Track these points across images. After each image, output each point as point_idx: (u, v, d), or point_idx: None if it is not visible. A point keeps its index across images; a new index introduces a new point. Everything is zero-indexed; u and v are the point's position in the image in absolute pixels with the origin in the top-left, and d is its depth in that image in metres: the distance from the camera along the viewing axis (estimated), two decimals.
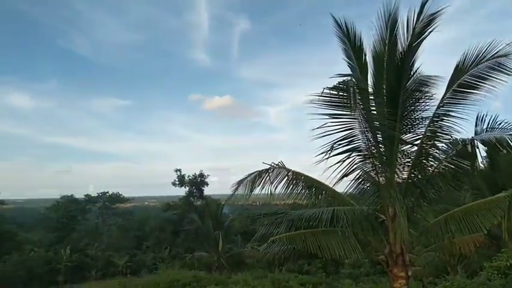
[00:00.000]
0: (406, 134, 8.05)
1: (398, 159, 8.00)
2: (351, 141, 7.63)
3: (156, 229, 45.06)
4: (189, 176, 42.45)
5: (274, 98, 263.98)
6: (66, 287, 31.56)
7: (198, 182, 42.43)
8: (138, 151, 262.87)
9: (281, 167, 8.74)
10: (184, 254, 36.44)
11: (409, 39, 7.20)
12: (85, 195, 50.53)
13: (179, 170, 42.21)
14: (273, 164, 8.75)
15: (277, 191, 8.61)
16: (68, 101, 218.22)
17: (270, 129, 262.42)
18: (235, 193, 8.62)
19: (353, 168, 8.02)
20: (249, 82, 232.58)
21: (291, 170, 8.69)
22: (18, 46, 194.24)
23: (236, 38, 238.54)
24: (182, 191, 42.44)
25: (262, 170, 8.59)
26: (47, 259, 36.38)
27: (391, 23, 7.22)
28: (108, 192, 49.80)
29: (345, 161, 7.82)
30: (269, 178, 8.56)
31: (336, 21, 7.94)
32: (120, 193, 50.66)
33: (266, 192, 8.55)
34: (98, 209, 49.95)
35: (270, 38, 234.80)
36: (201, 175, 42.64)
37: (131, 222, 51.41)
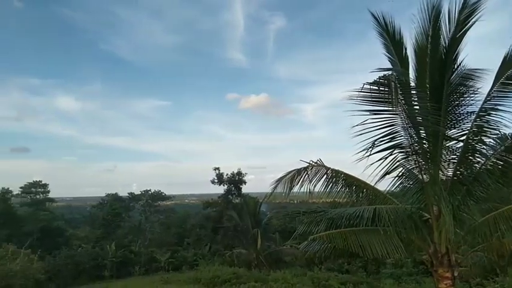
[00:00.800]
0: (451, 130, 7.76)
1: (443, 156, 7.73)
2: (393, 137, 7.43)
3: (196, 226, 45.90)
4: (227, 174, 42.90)
5: (310, 95, 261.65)
6: (112, 281, 32.75)
7: (235, 180, 42.74)
8: (178, 150, 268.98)
9: (320, 164, 8.67)
10: (224, 251, 36.88)
11: (452, 31, 6.93)
12: (128, 193, 52.22)
13: (217, 169, 42.73)
14: (311, 162, 8.70)
15: (316, 189, 8.57)
16: (111, 103, 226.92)
17: (306, 127, 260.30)
18: (274, 191, 8.66)
19: (395, 165, 7.83)
20: (284, 80, 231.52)
21: (330, 168, 8.61)
22: (64, 51, 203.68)
23: (271, 36, 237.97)
24: (220, 189, 42.99)
25: (301, 168, 8.56)
26: (94, 254, 37.81)
27: (434, 14, 6.97)
28: (150, 190, 51.22)
29: (386, 158, 7.62)
30: (308, 176, 8.53)
31: (374, 16, 7.77)
32: (161, 191, 52.02)
33: (305, 190, 8.54)
34: (141, 206, 51.31)
35: (305, 34, 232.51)
36: (239, 173, 42.93)
37: (172, 220, 52.59)
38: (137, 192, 51.64)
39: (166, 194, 52.54)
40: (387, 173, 7.81)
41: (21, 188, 46.86)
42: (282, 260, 31.90)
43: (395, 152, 7.66)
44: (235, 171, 42.75)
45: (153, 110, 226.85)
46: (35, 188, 47.33)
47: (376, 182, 8.00)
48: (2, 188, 44.24)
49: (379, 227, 7.57)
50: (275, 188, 8.65)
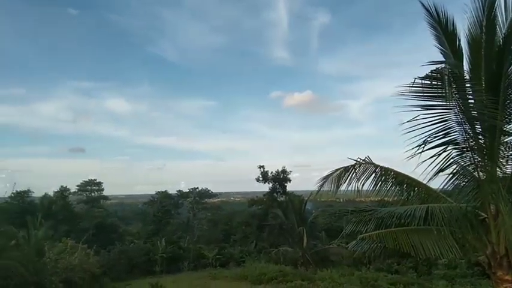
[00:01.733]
0: (509, 124, 7.33)
1: (501, 152, 7.31)
2: (447, 133, 7.13)
3: (242, 224, 46.39)
4: (271, 173, 43.06)
5: (355, 91, 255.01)
6: (162, 276, 33.91)
7: (280, 178, 42.78)
8: (223, 149, 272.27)
9: (368, 162, 8.49)
10: (270, 248, 36.99)
11: (509, 20, 6.55)
12: (177, 191, 53.68)
13: (262, 167, 43.00)
14: (359, 160, 8.54)
15: (365, 187, 8.40)
16: (159, 104, 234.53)
17: (352, 124, 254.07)
18: (321, 189, 8.59)
19: (449, 163, 7.50)
20: (328, 76, 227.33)
21: (379, 165, 8.40)
22: (115, 55, 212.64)
23: (315, 32, 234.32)
24: (265, 187, 43.21)
25: (349, 166, 8.43)
26: (145, 250, 39.27)
27: (488, 3, 6.61)
28: (197, 188, 52.37)
29: (439, 155, 7.33)
30: (355, 174, 8.38)
31: (425, 7, 7.47)
32: (208, 189, 53.10)
33: (352, 188, 8.40)
34: (189, 203, 52.62)
35: (350, 29, 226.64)
36: (283, 171, 42.95)
37: (219, 217, 53.46)
38: (185, 190, 53.05)
39: (213, 191, 53.53)
40: (440, 170, 7.50)
41: (77, 186, 49.70)
42: (328, 258, 31.57)
43: (449, 148, 7.35)
44: (280, 169, 42.86)
45: (199, 110, 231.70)
46: (90, 186, 49.96)
47: (429, 180, 7.71)
48: (61, 186, 47.25)
49: (432, 227, 7.30)
50: (321, 186, 8.58)
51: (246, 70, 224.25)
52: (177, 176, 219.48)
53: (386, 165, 8.48)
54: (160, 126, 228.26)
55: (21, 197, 41.27)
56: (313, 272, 26.98)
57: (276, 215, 36.22)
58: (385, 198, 8.84)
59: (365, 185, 8.36)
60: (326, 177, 8.51)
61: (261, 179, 42.76)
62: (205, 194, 52.36)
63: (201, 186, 52.82)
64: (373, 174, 8.34)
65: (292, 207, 33.11)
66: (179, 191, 53.37)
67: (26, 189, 42.41)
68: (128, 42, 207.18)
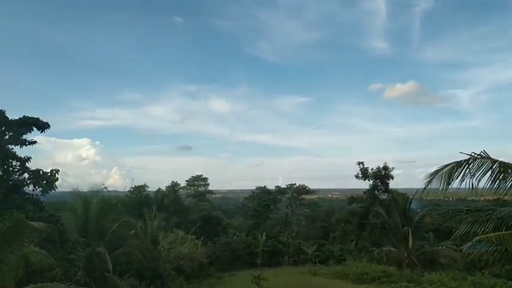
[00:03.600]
0: None
1: None
2: None
3: (341, 221, 45.66)
4: (372, 169, 41.59)
5: (465, 80, 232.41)
6: (263, 269, 35.04)
7: (382, 175, 41.10)
8: (319, 145, 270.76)
9: (484, 157, 7.79)
10: (371, 247, 35.91)
11: None
12: (275, 187, 54.89)
13: (362, 163, 41.77)
14: (473, 154, 7.88)
15: (480, 185, 7.73)
16: (256, 103, 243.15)
17: (462, 115, 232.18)
18: (428, 186, 8.11)
19: None
20: (433, 64, 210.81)
21: (497, 160, 7.66)
22: (216, 58, 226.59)
23: (417, 19, 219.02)
24: (365, 184, 41.94)
25: (462, 161, 7.83)
26: (247, 243, 40.95)
27: None
28: (295, 184, 52.83)
29: None
30: (469, 170, 7.75)
31: None
32: (305, 185, 53.28)
33: (465, 186, 7.77)
34: (287, 199, 53.43)
35: (456, 13, 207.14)
36: (385, 168, 41.17)
37: (317, 213, 53.38)
38: (283, 185, 53.92)
39: (310, 188, 53.56)
40: None
41: (186, 181, 54.16)
42: (436, 261, 29.78)
43: None
44: (381, 166, 41.28)
45: (296, 107, 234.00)
46: (197, 181, 54.03)
47: None
48: (172, 181, 51.87)
49: None
50: (429, 183, 8.10)
51: (343, 64, 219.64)
52: (274, 172, 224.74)
53: (505, 161, 7.69)
54: (258, 123, 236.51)
55: (139, 191, 46.25)
56: (420, 275, 25.54)
57: (377, 214, 34.94)
58: (506, 198, 8.00)
59: (480, 182, 7.70)
60: (434, 174, 8.01)
61: (360, 175, 41.69)
62: (303, 190, 52.58)
63: (298, 182, 53.24)
64: (490, 171, 7.63)
65: (395, 205, 31.68)
66: (277, 186, 54.48)
67: (142, 184, 47.55)
68: (228, 45, 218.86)
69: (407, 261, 28.94)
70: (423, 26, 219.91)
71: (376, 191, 41.55)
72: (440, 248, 31.03)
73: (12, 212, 11.58)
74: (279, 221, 51.65)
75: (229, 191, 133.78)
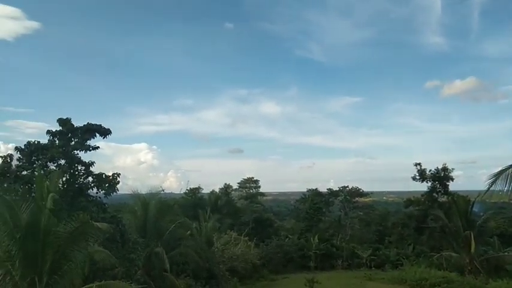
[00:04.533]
0: None
1: None
2: None
3: (398, 225, 44.16)
4: (430, 171, 39.96)
5: None
6: (316, 272, 34.70)
7: (441, 177, 39.35)
8: (372, 146, 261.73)
9: None
10: (430, 252, 34.42)
11: None
12: (327, 189, 54.06)
13: (419, 164, 40.28)
14: None
15: None
16: (306, 105, 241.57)
17: None
18: (492, 188, 7.69)
19: None
20: (495, 59, 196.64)
21: None
22: (266, 61, 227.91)
23: (475, 11, 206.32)
24: (422, 186, 40.39)
25: None
26: (300, 245, 40.69)
27: None
28: (348, 187, 51.74)
29: None
30: None
31: None
32: (359, 187, 52.07)
33: None
34: (340, 202, 52.50)
35: None
36: (444, 169, 39.36)
37: (372, 217, 51.97)
38: (335, 188, 53.07)
39: (364, 190, 52.29)
40: None
41: (238, 183, 55.02)
42: (502, 268, 28.10)
43: None
44: (440, 167, 39.69)
45: (347, 108, 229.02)
46: (249, 183, 54.69)
47: None
48: (225, 184, 52.93)
49: None
50: (492, 184, 7.69)
51: (397, 61, 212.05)
52: (326, 174, 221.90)
53: None
54: (308, 125, 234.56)
55: (193, 193, 47.76)
56: (484, 282, 24.15)
57: (437, 217, 33.48)
58: None
59: None
60: (498, 175, 7.63)
61: (417, 177, 40.33)
62: (356, 192, 51.42)
63: (350, 184, 52.18)
64: None
65: (456, 208, 30.27)
66: (329, 189, 53.65)
67: (196, 186, 49.07)
68: (278, 48, 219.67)
69: (469, 267, 27.45)
70: (481, 18, 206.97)
71: (434, 194, 40.07)
72: (506, 253, 29.14)
73: (78, 213, 12.46)
74: (332, 224, 50.91)
75: (280, 193, 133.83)
